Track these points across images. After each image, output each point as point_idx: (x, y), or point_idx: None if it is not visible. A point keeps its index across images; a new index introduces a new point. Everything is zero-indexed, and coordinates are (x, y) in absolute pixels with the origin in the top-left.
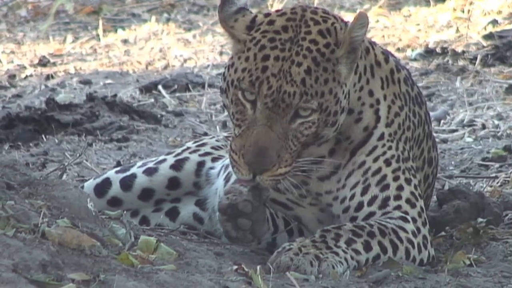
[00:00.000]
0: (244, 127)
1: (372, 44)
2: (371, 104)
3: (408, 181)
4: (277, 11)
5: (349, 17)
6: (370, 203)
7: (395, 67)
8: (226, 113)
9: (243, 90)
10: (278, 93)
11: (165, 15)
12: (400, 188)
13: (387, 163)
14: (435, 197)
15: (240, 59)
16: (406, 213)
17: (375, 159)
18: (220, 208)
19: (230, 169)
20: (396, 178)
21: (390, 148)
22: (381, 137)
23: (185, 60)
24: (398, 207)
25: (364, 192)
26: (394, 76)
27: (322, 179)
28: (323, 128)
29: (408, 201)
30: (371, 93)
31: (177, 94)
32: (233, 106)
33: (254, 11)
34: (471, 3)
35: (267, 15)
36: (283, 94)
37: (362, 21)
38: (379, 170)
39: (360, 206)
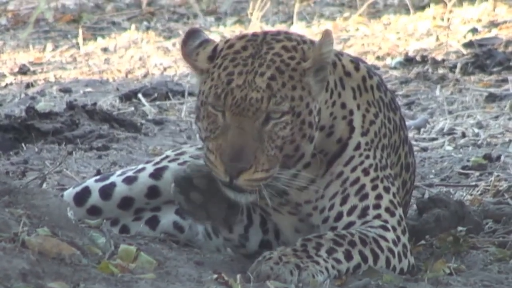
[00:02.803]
0: (218, 132)
1: (339, 55)
2: (343, 116)
3: (386, 190)
4: (237, 36)
5: (328, 25)
6: (349, 213)
7: (367, 74)
8: None
9: (211, 104)
10: (243, 101)
11: (145, 23)
12: (379, 197)
13: (365, 172)
14: (415, 205)
15: (205, 83)
16: (386, 221)
17: (353, 169)
18: (175, 180)
19: None
20: (374, 187)
21: (367, 157)
22: (358, 146)
23: (165, 69)
24: (378, 216)
25: (343, 202)
26: (367, 84)
27: (301, 189)
28: (301, 138)
29: (387, 209)
30: (343, 106)
31: (157, 103)
32: (205, 120)
33: (234, 19)
34: (450, 11)
35: (227, 41)
36: (250, 100)
37: (329, 38)
38: (357, 179)
39: (339, 216)
